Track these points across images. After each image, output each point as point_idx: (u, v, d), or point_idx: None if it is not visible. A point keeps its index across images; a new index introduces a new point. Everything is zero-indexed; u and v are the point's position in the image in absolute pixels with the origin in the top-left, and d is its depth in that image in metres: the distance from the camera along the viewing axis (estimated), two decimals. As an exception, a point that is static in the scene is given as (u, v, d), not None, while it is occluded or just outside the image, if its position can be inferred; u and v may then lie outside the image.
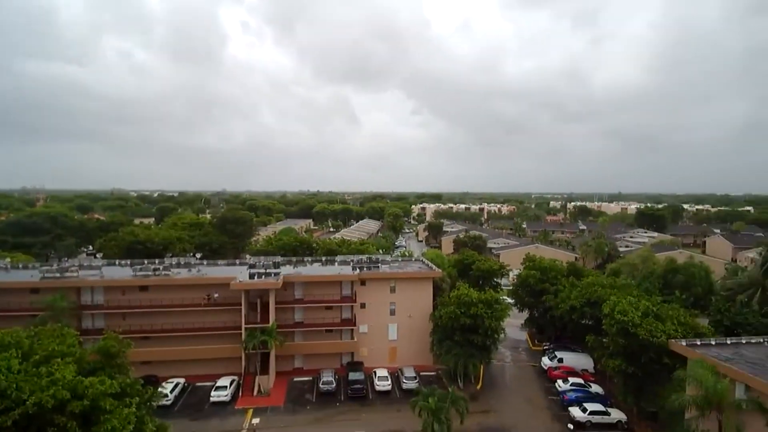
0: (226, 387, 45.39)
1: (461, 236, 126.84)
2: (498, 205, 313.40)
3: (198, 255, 67.82)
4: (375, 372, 49.67)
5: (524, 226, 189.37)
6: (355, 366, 50.97)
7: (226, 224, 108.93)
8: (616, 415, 41.48)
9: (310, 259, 65.79)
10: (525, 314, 65.03)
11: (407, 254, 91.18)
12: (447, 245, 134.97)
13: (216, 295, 50.97)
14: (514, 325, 64.38)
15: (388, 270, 58.02)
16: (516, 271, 71.13)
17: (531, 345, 62.70)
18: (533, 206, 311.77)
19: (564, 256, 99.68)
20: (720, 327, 46.22)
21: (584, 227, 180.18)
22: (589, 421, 40.77)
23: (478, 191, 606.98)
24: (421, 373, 50.72)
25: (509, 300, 63.71)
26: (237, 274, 51.24)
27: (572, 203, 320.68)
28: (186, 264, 59.95)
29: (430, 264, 60.91)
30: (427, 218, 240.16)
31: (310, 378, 50.16)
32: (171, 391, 44.35)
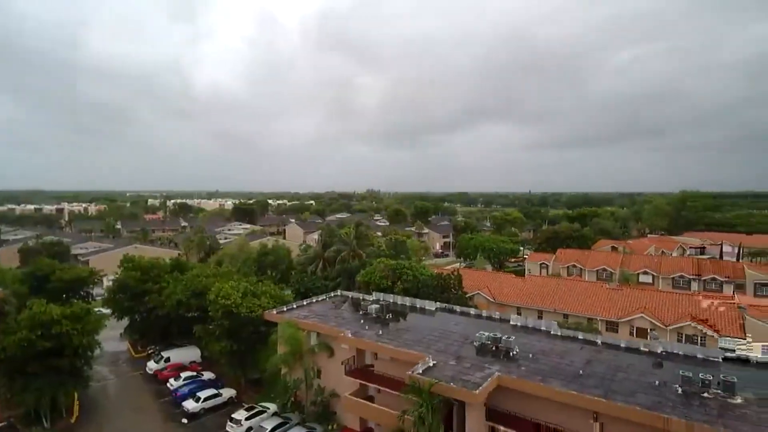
0: None
1: (31, 244, 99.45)
2: (84, 205, 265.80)
3: None
4: None
5: (119, 226, 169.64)
6: None
7: None
8: (227, 393, 44.42)
9: None
10: (126, 322, 58.77)
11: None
12: (10, 257, 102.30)
13: None
14: (112, 337, 57.04)
15: None
16: (113, 276, 62.80)
17: (134, 353, 57.29)
18: (128, 205, 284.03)
19: (167, 253, 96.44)
20: (299, 293, 57.86)
21: (186, 224, 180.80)
22: (203, 408, 41.77)
23: (56, 188, 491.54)
24: (-26, 435, 36.68)
25: (105, 310, 55.80)
26: None
27: (172, 201, 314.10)
28: None
29: (-20, 283, 44.48)
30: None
31: None
32: None
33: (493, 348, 33.22)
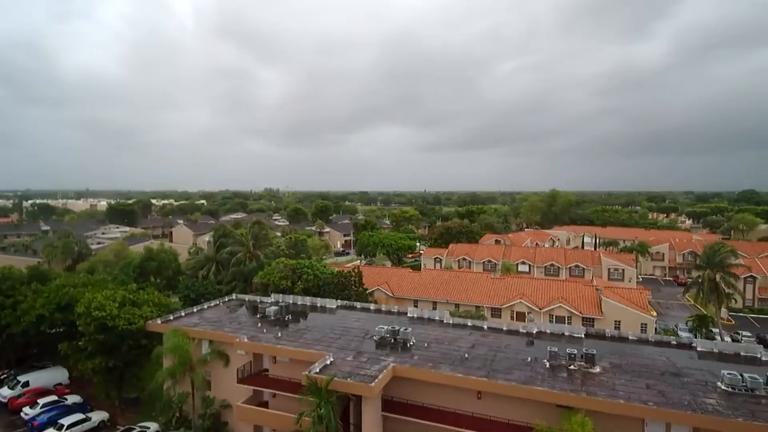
0: None
1: None
2: None
3: None
4: None
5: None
6: None
7: None
8: (98, 416, 39.38)
9: None
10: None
11: None
12: None
13: None
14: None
15: None
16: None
17: (-20, 382, 48.13)
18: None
19: (23, 261, 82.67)
20: (188, 300, 53.65)
21: (48, 227, 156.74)
22: (68, 436, 36.57)
23: None
24: None
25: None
26: None
27: (30, 201, 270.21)
28: None
29: None
30: None
31: None
32: None
33: (392, 340, 34.24)
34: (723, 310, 63.35)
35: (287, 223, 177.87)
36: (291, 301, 46.52)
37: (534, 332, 36.36)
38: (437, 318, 40.51)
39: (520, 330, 37.04)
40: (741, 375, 26.43)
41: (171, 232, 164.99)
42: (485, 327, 38.13)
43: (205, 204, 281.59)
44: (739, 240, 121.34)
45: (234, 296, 50.28)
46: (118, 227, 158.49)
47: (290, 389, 31.25)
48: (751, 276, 75.36)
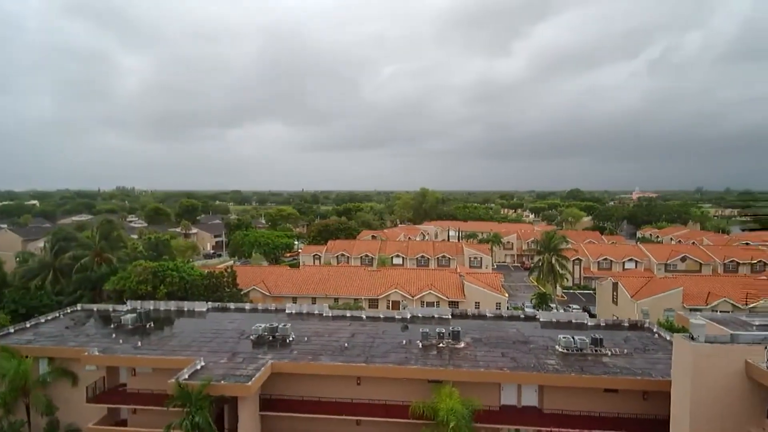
0: None
1: None
2: None
3: None
4: None
5: None
6: None
7: None
8: None
9: None
10: None
11: None
12: None
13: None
14: None
15: None
16: None
17: None
18: None
19: None
20: (18, 315, 45.01)
21: None
22: None
23: None
24: None
25: None
26: None
27: None
28: None
29: None
30: None
31: None
32: None
33: (270, 338, 33.31)
34: (558, 288, 75.07)
35: (145, 224, 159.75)
36: (152, 307, 42.13)
37: (408, 317, 38.74)
38: (316, 312, 40.57)
39: (396, 317, 39.13)
40: (573, 338, 31.70)
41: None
42: (364, 317, 39.41)
43: (38, 205, 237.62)
44: (568, 230, 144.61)
45: (79, 307, 43.64)
46: None
47: (154, 402, 28.34)
48: (578, 258, 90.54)
